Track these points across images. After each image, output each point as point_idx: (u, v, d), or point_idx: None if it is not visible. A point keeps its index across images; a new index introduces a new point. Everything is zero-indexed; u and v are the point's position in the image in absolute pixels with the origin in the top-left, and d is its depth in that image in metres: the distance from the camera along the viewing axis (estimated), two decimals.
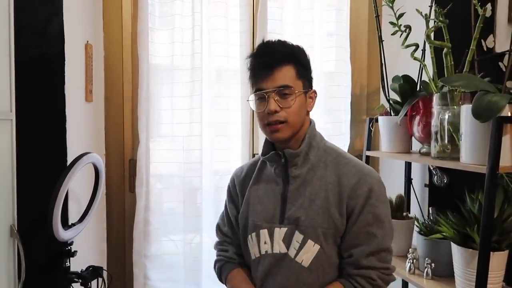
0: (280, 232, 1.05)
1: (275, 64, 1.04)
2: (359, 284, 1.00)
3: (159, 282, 1.72)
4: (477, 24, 1.18)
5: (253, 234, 1.09)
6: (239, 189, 1.18)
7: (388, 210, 1.07)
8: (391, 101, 1.54)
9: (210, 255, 1.73)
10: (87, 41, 1.50)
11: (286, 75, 1.04)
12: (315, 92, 1.11)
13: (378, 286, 1.00)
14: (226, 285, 1.15)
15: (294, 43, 1.10)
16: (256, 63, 1.07)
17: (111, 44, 1.67)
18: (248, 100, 1.11)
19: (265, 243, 1.07)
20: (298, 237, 1.03)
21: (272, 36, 1.72)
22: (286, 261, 1.04)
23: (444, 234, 1.22)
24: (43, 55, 1.27)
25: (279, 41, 1.10)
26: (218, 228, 1.22)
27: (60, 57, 1.32)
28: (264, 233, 1.07)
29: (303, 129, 1.09)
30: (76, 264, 1.30)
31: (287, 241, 1.04)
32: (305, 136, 1.08)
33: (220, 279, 1.17)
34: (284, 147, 1.08)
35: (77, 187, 1.39)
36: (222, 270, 1.16)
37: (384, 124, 1.52)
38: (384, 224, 1.02)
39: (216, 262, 1.19)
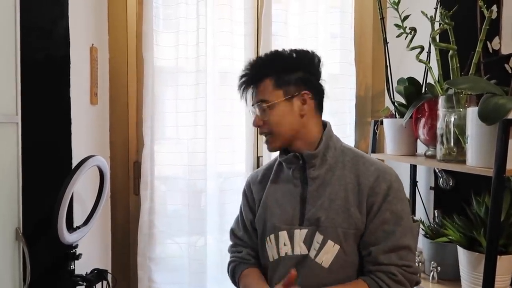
0: (300, 234, 1.05)
1: (254, 81, 1.09)
2: (380, 279, 0.99)
3: (163, 285, 1.72)
4: (483, 26, 1.18)
5: (272, 236, 1.09)
6: (256, 193, 1.18)
7: (407, 207, 1.05)
8: (396, 104, 1.54)
9: (214, 258, 1.73)
10: (92, 44, 1.51)
11: (263, 89, 1.08)
12: (306, 93, 1.08)
13: (400, 282, 0.98)
14: (239, 285, 1.15)
15: (283, 49, 1.12)
16: (240, 80, 1.13)
17: (116, 47, 1.68)
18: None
19: (284, 244, 1.07)
20: (318, 237, 1.03)
21: (276, 39, 1.73)
22: (307, 262, 1.03)
23: (450, 237, 1.22)
24: (49, 58, 1.27)
25: (261, 56, 1.15)
26: (232, 233, 1.23)
27: (66, 60, 1.32)
28: (283, 235, 1.07)
29: (311, 133, 1.10)
30: (81, 267, 1.30)
31: (308, 242, 1.04)
32: (322, 137, 1.09)
33: (233, 280, 1.17)
34: (297, 150, 1.09)
35: (82, 189, 1.39)
36: (235, 270, 1.16)
37: (389, 126, 1.52)
38: (402, 221, 1.01)
39: (229, 263, 1.19)
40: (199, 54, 1.69)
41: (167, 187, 1.77)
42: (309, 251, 1.04)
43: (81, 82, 1.43)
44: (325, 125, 1.13)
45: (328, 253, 1.02)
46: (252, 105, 1.10)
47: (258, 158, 1.81)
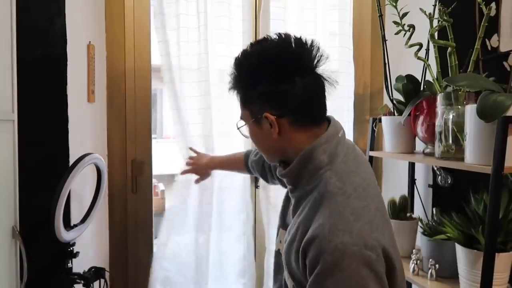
0: (281, 234, 1.01)
1: (231, 89, 0.93)
2: None
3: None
4: (482, 23, 1.17)
5: (279, 228, 1.03)
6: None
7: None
8: (394, 101, 1.53)
9: (216, 255, 1.73)
10: (89, 42, 1.50)
11: (239, 102, 0.93)
12: (269, 114, 0.85)
13: None
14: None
15: (258, 41, 0.93)
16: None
17: (113, 45, 1.67)
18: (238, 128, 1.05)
19: (280, 242, 1.02)
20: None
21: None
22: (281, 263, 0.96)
23: (448, 235, 1.22)
24: (46, 56, 1.27)
25: (238, 57, 0.92)
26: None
27: (63, 58, 1.32)
28: (281, 233, 1.01)
29: (296, 149, 0.88)
30: (79, 265, 1.29)
31: (287, 252, 0.91)
32: (298, 156, 0.87)
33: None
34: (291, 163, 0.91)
35: (79, 187, 1.39)
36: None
37: (387, 124, 1.51)
38: None
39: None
40: (200, 52, 1.67)
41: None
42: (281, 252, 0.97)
43: (78, 79, 1.43)
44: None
45: (288, 280, 0.90)
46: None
47: None
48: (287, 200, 1.01)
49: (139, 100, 1.69)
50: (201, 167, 1.59)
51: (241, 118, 0.93)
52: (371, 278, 0.73)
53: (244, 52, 0.91)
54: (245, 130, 0.95)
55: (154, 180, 3.65)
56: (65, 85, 1.31)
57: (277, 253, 1.04)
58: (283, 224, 1.02)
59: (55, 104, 1.30)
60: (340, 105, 1.79)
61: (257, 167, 1.38)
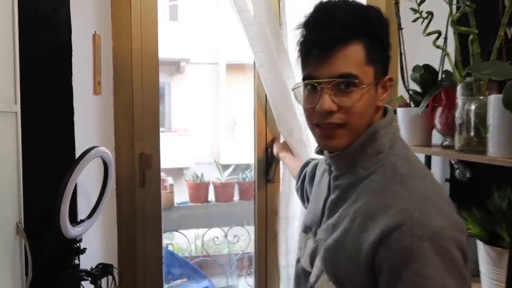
0: (309, 245, 0.89)
1: (335, 43, 0.76)
2: None
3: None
4: (506, 10, 1.11)
5: (300, 232, 0.96)
6: (314, 173, 1.09)
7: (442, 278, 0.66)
8: (410, 92, 1.47)
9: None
10: (95, 32, 1.46)
11: (350, 58, 0.76)
12: (390, 79, 0.85)
13: None
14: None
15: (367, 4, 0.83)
16: (308, 39, 0.80)
17: (120, 35, 1.62)
18: (292, 89, 0.88)
19: (300, 249, 0.94)
20: (318, 262, 0.83)
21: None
22: (307, 285, 0.86)
23: (469, 231, 1.16)
24: (50, 45, 1.23)
25: (344, 2, 0.80)
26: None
27: (67, 48, 1.28)
28: (302, 237, 0.94)
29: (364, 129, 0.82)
30: (86, 262, 1.26)
31: (312, 260, 0.87)
32: (361, 135, 0.80)
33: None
34: None
35: (86, 182, 1.35)
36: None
37: (403, 116, 1.46)
38: None
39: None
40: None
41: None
42: (311, 271, 0.86)
43: (83, 70, 1.39)
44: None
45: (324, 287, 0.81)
46: (329, 81, 0.77)
47: (267, 149, 1.76)
48: (323, 206, 0.89)
49: (146, 91, 1.65)
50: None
51: (351, 75, 0.77)
52: (462, 262, 0.70)
53: (378, 9, 0.84)
54: (340, 90, 0.77)
55: (162, 174, 3.63)
56: (70, 76, 1.27)
57: (297, 262, 0.96)
58: (309, 227, 0.94)
59: (60, 96, 1.26)
60: None
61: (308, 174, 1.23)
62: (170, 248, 2.86)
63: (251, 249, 3.13)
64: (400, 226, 0.68)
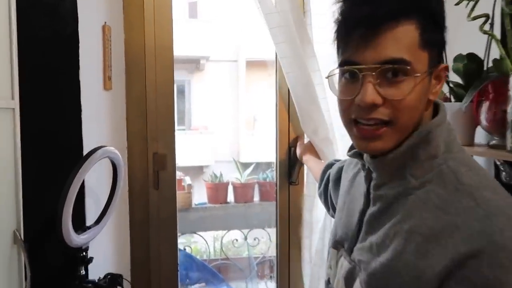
0: (344, 265, 0.76)
1: (384, 21, 0.62)
2: None
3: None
4: None
5: (330, 248, 0.83)
6: (342, 180, 0.93)
7: None
8: (451, 85, 1.32)
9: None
10: (105, 22, 1.36)
11: (401, 40, 0.62)
12: (445, 68, 0.70)
13: None
14: None
15: None
16: (348, 17, 0.67)
17: (132, 28, 1.52)
18: (327, 77, 0.73)
19: (330, 268, 0.82)
20: (357, 286, 0.71)
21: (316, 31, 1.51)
22: None
23: None
24: (55, 36, 1.13)
25: None
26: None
27: (74, 39, 1.18)
28: (332, 253, 0.81)
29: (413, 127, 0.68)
30: (95, 271, 1.16)
31: (348, 283, 0.74)
32: (412, 136, 0.66)
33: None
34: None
35: (95, 184, 1.25)
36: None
37: None
38: None
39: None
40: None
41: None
42: None
43: (92, 64, 1.29)
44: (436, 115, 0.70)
45: None
46: (374, 68, 0.63)
47: (290, 149, 1.63)
48: (359, 219, 0.76)
49: (161, 87, 1.54)
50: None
51: (401, 61, 0.63)
52: None
53: None
54: (387, 78, 0.63)
55: (180, 174, 3.54)
56: (77, 70, 1.17)
57: (328, 284, 0.83)
58: (340, 243, 0.80)
59: (66, 91, 1.16)
60: None
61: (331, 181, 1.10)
62: (188, 250, 2.76)
63: (272, 252, 3.02)
64: (479, 253, 0.55)
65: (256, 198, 3.55)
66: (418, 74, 0.64)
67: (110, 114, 1.42)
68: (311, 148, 1.49)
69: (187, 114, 8.68)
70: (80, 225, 1.13)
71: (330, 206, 1.11)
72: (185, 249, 2.70)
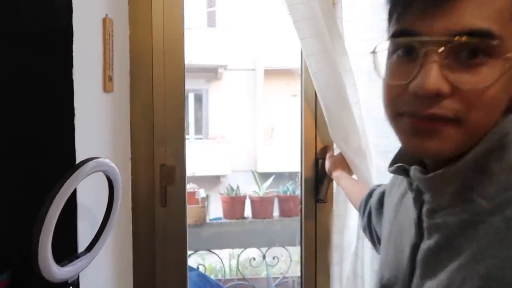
0: None
1: None
2: None
3: None
4: None
5: None
6: (385, 207, 0.74)
7: None
8: None
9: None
10: (106, 15, 1.18)
11: (488, 5, 0.44)
12: None
13: None
14: None
15: None
16: None
17: (138, 22, 1.34)
18: (372, 52, 0.53)
19: None
20: None
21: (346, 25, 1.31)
22: None
23: None
24: (44, 28, 0.96)
25: None
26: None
27: (67, 32, 1.00)
28: None
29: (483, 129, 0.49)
30: None
31: None
32: (483, 141, 0.49)
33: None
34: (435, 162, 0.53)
35: (91, 203, 1.07)
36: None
37: None
38: None
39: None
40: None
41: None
42: None
43: (90, 62, 1.11)
44: None
45: None
46: (444, 41, 0.45)
47: (317, 160, 1.42)
48: (410, 255, 0.57)
49: (170, 90, 1.36)
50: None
51: (484, 33, 0.44)
52: None
53: None
54: (437, 73, 0.45)
55: (193, 186, 3.36)
56: (70, 68, 1.00)
57: None
58: (390, 287, 0.60)
59: (57, 93, 0.99)
60: None
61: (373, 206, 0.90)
62: (201, 269, 2.57)
63: (292, 272, 2.81)
64: None
65: (276, 213, 3.31)
66: (510, 55, 0.45)
67: (110, 120, 1.23)
68: (342, 162, 1.28)
69: (205, 123, 8.59)
70: (70, 253, 0.95)
71: (376, 241, 0.89)
72: (198, 267, 2.51)
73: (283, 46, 7.14)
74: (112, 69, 1.22)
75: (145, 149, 1.35)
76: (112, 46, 1.21)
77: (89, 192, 1.05)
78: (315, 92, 1.35)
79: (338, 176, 1.26)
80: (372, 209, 0.86)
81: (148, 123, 1.35)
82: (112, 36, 1.21)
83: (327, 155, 1.35)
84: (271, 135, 8.49)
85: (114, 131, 1.26)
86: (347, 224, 1.34)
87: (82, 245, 1.01)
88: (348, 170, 1.26)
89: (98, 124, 1.16)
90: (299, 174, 1.48)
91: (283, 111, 7.69)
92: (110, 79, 1.20)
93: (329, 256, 1.41)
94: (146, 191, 1.35)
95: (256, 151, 8.05)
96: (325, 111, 1.29)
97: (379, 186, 0.92)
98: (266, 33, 7.57)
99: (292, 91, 7.54)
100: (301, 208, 1.45)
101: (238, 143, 7.88)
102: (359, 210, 0.99)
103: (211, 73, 8.39)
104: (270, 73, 8.23)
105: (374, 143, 1.31)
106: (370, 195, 0.92)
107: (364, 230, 0.95)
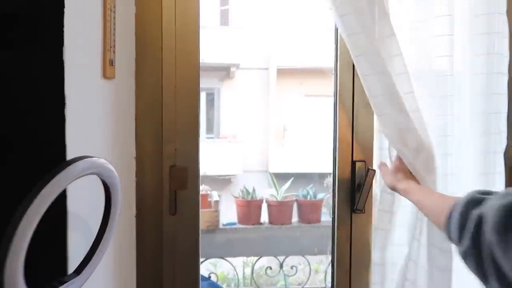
0: None
1: None
2: None
3: None
4: None
5: None
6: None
7: None
8: None
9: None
10: None
11: None
12: None
13: None
14: None
15: None
16: None
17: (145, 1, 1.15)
18: None
19: None
20: None
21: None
22: None
23: None
24: (31, 4, 0.77)
25: None
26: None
27: (56, 6, 0.81)
28: None
29: None
30: None
31: None
32: None
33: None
34: None
35: (86, 213, 0.88)
36: None
37: None
38: None
39: None
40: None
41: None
42: None
43: (85, 42, 0.92)
44: None
45: None
46: None
47: (352, 162, 1.21)
48: None
49: (182, 78, 1.16)
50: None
51: None
52: None
53: None
54: None
55: (205, 188, 3.16)
56: (60, 48, 0.81)
57: None
58: None
59: (44, 78, 0.80)
60: (491, 85, 1.13)
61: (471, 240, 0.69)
62: (213, 278, 2.38)
63: (311, 283, 2.60)
64: None
65: (295, 218, 3.08)
66: None
67: (111, 111, 1.04)
68: (406, 171, 1.04)
69: (216, 122, 8.44)
70: (58, 275, 0.76)
71: (495, 276, 0.64)
72: (209, 276, 2.32)
73: (296, 45, 6.97)
74: (114, 52, 1.02)
75: (152, 147, 1.15)
76: (114, 25, 1.02)
77: (83, 199, 0.86)
78: (353, 81, 1.14)
79: (405, 189, 1.00)
80: (490, 229, 0.63)
81: (156, 117, 1.16)
82: (114, 12, 1.02)
83: (380, 166, 1.11)
84: (283, 136, 8.31)
85: (115, 125, 1.06)
86: (390, 239, 1.12)
87: (73, 265, 0.82)
88: (415, 178, 1.03)
89: (95, 116, 0.96)
90: (331, 178, 1.28)
91: (295, 111, 7.50)
92: (112, 63, 1.01)
93: (367, 275, 1.20)
94: (153, 196, 1.15)
95: (268, 151, 7.87)
96: (372, 102, 1.06)
97: (484, 193, 0.70)
98: (279, 32, 7.41)
99: (305, 91, 7.35)
100: (334, 217, 1.24)
101: (250, 143, 7.71)
102: (447, 229, 0.77)
103: (223, 72, 8.24)
104: (283, 72, 8.04)
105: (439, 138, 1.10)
106: (470, 204, 0.70)
107: (464, 255, 0.71)
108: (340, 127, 1.21)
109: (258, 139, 7.95)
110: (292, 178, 3.24)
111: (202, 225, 1.92)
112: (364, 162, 1.20)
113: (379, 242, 1.14)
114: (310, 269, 2.56)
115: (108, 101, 1.02)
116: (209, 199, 3.01)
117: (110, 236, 0.82)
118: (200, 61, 1.20)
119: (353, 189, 1.20)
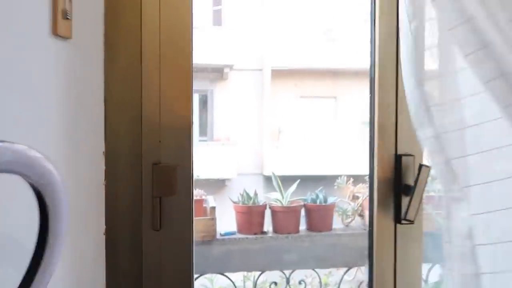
0: None
1: None
2: None
3: None
4: None
5: None
6: None
7: None
8: None
9: None
10: None
11: None
12: None
13: None
14: None
15: None
16: None
17: None
18: None
19: None
20: None
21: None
22: None
23: None
24: None
25: None
26: None
27: None
28: None
29: None
30: None
31: None
32: None
33: None
34: None
35: (23, 230, 0.58)
36: None
37: None
38: None
39: None
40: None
41: None
42: None
43: None
44: None
45: None
46: None
47: (397, 157, 0.91)
48: None
49: (170, 42, 0.86)
50: None
51: None
52: None
53: None
54: None
55: (200, 192, 2.85)
56: None
57: None
58: None
59: None
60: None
61: None
62: None
63: None
64: None
65: (302, 226, 2.78)
66: None
67: (64, 85, 0.73)
68: None
69: (210, 125, 8.21)
70: None
71: None
72: None
73: (291, 46, 6.80)
74: (71, 1, 0.72)
75: (128, 138, 0.85)
76: None
77: (16, 215, 0.56)
78: (396, 54, 0.86)
79: None
80: None
81: (134, 98, 0.85)
82: None
83: None
84: (278, 138, 8.12)
85: (72, 105, 0.75)
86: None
87: None
88: None
89: (37, 90, 0.66)
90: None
91: (290, 112, 7.32)
92: (66, 15, 0.70)
93: None
94: (129, 206, 0.84)
95: (263, 153, 7.67)
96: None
97: None
98: (274, 32, 7.25)
99: (300, 92, 7.19)
100: (371, 229, 0.94)
101: (244, 145, 7.53)
102: None
103: (217, 73, 8.04)
104: (277, 74, 7.85)
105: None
106: None
107: None
108: (380, 111, 0.91)
109: (252, 141, 7.76)
110: (299, 181, 2.94)
111: (197, 235, 1.64)
112: (412, 157, 0.90)
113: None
114: (320, 284, 2.29)
115: (61, 70, 0.71)
116: (204, 205, 2.70)
117: (50, 268, 0.51)
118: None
119: (399, 192, 0.90)
